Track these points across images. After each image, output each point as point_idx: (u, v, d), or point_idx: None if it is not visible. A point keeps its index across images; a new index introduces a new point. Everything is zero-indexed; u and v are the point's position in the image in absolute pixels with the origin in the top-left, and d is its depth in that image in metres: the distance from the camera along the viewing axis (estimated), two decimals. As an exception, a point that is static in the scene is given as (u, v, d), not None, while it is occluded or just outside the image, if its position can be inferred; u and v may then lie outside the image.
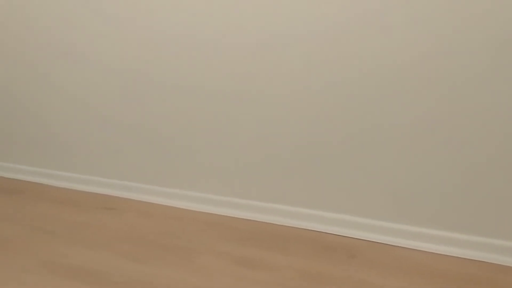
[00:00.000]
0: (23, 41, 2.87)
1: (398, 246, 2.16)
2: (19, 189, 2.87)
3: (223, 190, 2.52)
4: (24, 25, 2.84)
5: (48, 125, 2.90)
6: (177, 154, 2.59)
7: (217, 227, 2.36)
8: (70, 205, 2.64)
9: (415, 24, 2.02)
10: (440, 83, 2.02)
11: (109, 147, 2.76)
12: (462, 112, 2.01)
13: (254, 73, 2.34)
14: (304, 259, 2.04)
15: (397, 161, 2.15)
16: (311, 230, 2.32)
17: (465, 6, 1.94)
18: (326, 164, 2.28)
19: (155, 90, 2.57)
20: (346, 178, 2.25)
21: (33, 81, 2.89)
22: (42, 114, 2.91)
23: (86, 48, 2.69)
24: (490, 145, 1.99)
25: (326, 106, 2.23)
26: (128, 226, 2.37)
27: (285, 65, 2.27)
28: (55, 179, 2.93)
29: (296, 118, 2.29)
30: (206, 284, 1.85)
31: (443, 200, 2.10)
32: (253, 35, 2.30)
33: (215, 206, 2.53)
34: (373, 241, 2.20)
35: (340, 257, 2.06)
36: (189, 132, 2.54)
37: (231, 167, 2.48)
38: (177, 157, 2.60)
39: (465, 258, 2.05)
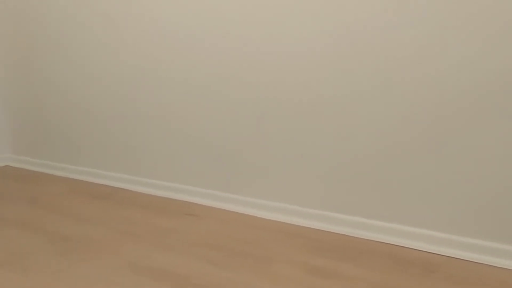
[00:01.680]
0: (111, 63, 3.07)
1: (479, 263, 2.09)
2: (107, 195, 3.06)
3: (301, 201, 2.55)
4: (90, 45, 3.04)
5: (134, 135, 3.08)
6: (256, 165, 2.66)
7: (294, 237, 2.39)
8: (154, 210, 2.78)
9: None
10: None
11: (192, 157, 2.88)
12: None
13: (329, 82, 2.36)
14: (378, 272, 2.02)
15: (479, 175, 2.08)
16: (388, 243, 2.29)
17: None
18: (404, 177, 2.25)
19: (232, 106, 2.66)
20: (425, 191, 2.21)
21: (121, 96, 3.08)
22: (129, 126, 3.09)
23: (169, 67, 2.84)
24: None
25: (405, 118, 2.21)
26: (209, 232, 2.47)
27: (362, 74, 2.28)
28: (140, 185, 3.10)
29: (373, 129, 2.29)
30: (281, 291, 1.89)
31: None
32: (336, 45, 2.33)
33: (292, 216, 2.57)
34: (453, 257, 2.14)
35: (418, 272, 2.03)
36: (270, 143, 2.60)
37: (310, 179, 2.51)
38: (256, 168, 2.66)
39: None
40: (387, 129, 2.26)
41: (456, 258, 2.13)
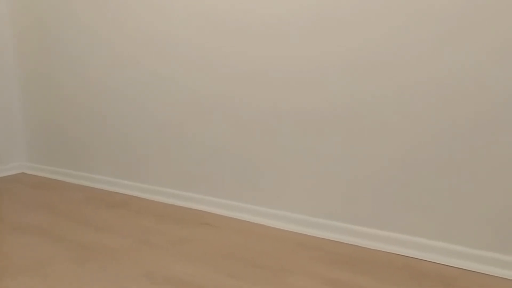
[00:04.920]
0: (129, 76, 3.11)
1: (495, 276, 2.08)
2: (124, 203, 3.08)
3: (317, 212, 2.56)
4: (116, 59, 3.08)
5: (150, 144, 3.11)
6: (273, 176, 2.67)
7: (310, 249, 2.40)
8: (170, 219, 2.80)
9: None
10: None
11: (208, 166, 2.90)
12: None
13: (347, 92, 2.38)
14: (395, 285, 2.03)
15: (495, 187, 2.08)
16: (405, 255, 2.29)
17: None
18: (420, 189, 2.25)
19: (248, 117, 2.68)
20: (441, 204, 2.21)
21: (136, 105, 3.11)
22: (144, 135, 3.12)
23: (183, 76, 2.87)
24: None
25: (421, 131, 2.22)
26: (225, 242, 2.48)
27: (378, 85, 2.29)
28: (156, 194, 3.12)
29: (389, 141, 2.30)
30: (298, 303, 1.90)
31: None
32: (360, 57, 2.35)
33: (309, 228, 2.58)
34: (469, 270, 2.14)
35: (434, 284, 2.03)
36: (287, 153, 2.61)
37: (327, 190, 2.52)
38: (272, 178, 2.68)
39: None
40: (403, 141, 2.26)
41: (471, 271, 2.13)
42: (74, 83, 3.39)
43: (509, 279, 2.06)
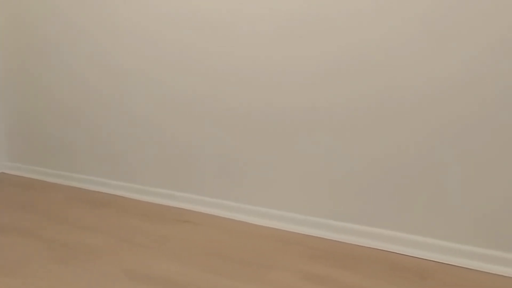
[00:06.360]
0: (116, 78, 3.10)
1: (472, 269, 2.13)
2: (106, 202, 3.07)
3: (299, 208, 2.58)
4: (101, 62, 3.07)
5: (131, 143, 3.10)
6: (254, 173, 2.69)
7: (292, 245, 2.42)
8: (152, 218, 2.80)
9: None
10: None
11: (190, 164, 2.90)
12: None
13: (329, 90, 2.40)
14: (375, 279, 2.06)
15: (472, 182, 2.12)
16: (384, 250, 2.33)
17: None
18: (399, 185, 2.29)
19: (235, 115, 2.69)
20: (420, 199, 2.25)
21: (117, 104, 3.10)
22: (125, 134, 3.11)
23: (166, 75, 2.87)
24: None
25: (402, 125, 2.25)
26: (207, 240, 2.49)
27: (371, 86, 2.31)
28: (138, 193, 3.12)
29: (370, 139, 2.33)
30: (278, 298, 1.92)
31: (521, 224, 2.05)
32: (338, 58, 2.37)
33: (290, 224, 2.60)
34: (445, 263, 2.18)
35: (412, 278, 2.06)
36: (269, 151, 2.63)
37: (308, 187, 2.54)
38: (254, 175, 2.69)
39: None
40: (384, 139, 2.30)
41: (449, 264, 2.17)
42: (55, 81, 3.37)
43: (485, 272, 2.10)
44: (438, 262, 2.20)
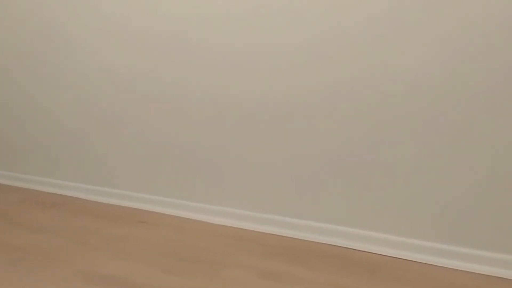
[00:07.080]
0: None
1: (419, 262, 2.21)
2: (60, 203, 3.04)
3: (251, 206, 2.61)
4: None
5: (85, 143, 3.07)
6: (207, 170, 2.71)
7: (245, 242, 2.45)
8: (107, 218, 2.78)
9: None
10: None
11: (144, 164, 2.90)
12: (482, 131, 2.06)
13: (290, 91, 2.44)
14: (328, 274, 2.11)
15: (421, 177, 2.20)
16: (337, 246, 2.39)
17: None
18: (348, 180, 2.35)
19: (188, 108, 2.70)
20: (370, 195, 2.31)
21: (74, 102, 3.06)
22: (79, 133, 3.08)
23: (129, 69, 2.86)
24: None
25: (353, 118, 2.31)
26: (161, 239, 2.50)
27: (320, 82, 2.36)
28: (93, 194, 3.09)
29: (321, 134, 2.38)
30: (232, 295, 1.95)
31: (464, 216, 2.14)
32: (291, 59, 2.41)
33: (245, 222, 2.63)
34: (395, 257, 2.26)
35: (363, 272, 2.13)
36: (223, 149, 2.65)
37: (260, 184, 2.57)
38: (208, 174, 2.71)
39: (487, 275, 2.08)
40: (335, 133, 2.35)
41: (398, 258, 2.25)
42: (10, 78, 3.30)
43: (432, 265, 2.19)
44: (387, 256, 2.27)
